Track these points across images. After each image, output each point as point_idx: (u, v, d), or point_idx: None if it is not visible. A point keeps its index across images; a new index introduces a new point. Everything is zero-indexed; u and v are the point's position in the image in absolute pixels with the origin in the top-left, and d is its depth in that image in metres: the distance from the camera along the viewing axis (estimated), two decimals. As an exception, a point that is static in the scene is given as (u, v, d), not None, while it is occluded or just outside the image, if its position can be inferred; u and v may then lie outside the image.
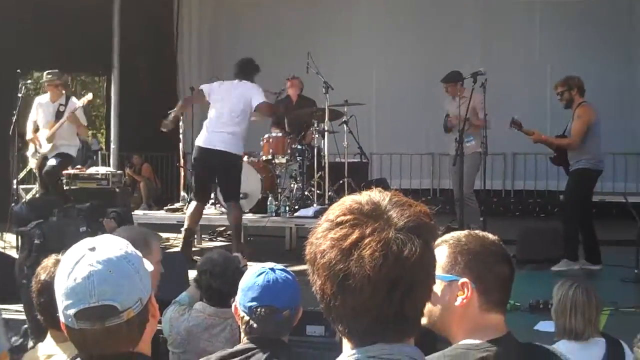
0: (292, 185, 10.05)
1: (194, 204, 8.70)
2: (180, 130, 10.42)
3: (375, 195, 1.48)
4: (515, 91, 13.19)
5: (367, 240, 1.39)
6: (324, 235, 1.44)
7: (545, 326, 5.17)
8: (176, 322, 4.03)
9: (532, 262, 8.23)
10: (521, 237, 8.68)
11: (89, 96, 9.86)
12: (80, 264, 1.70)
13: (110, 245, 1.76)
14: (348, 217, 1.43)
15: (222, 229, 10.49)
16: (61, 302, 1.72)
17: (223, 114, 8.37)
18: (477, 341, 2.00)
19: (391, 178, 13.16)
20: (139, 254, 1.81)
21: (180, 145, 11.14)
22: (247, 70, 8.55)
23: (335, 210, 1.47)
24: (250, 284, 2.88)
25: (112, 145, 14.26)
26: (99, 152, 16.23)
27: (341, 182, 9.77)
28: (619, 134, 11.73)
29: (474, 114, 9.06)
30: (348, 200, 1.48)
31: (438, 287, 2.00)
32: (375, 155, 14.00)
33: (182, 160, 11.38)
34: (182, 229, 8.60)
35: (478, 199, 9.42)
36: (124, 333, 1.73)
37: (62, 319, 1.74)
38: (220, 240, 10.43)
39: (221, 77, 9.00)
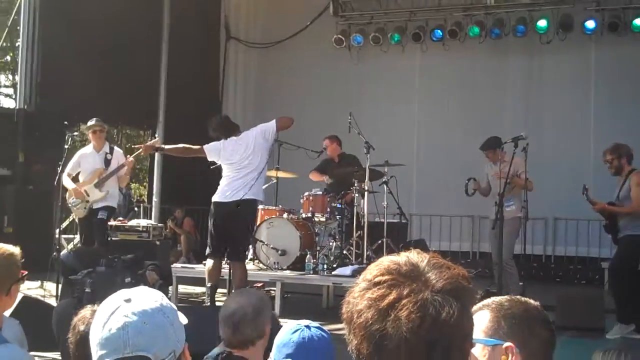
0: (330, 244, 10.02)
1: (210, 261, 8.39)
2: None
3: (413, 256, 1.47)
4: (557, 155, 13.11)
5: (404, 302, 1.37)
6: (361, 294, 1.43)
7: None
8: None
9: (572, 329, 8.08)
10: (561, 303, 8.54)
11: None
12: (116, 315, 1.71)
13: (145, 297, 1.77)
14: (386, 277, 1.42)
15: (259, 284, 10.46)
16: (95, 352, 1.73)
17: (233, 166, 8.29)
18: None
19: (430, 239, 13.05)
20: (174, 306, 1.81)
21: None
22: (234, 126, 8.53)
23: (373, 270, 1.46)
24: (285, 340, 2.86)
25: (155, 198, 14.51)
26: (141, 204, 16.42)
27: (380, 242, 9.75)
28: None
29: (516, 176, 9.00)
30: (386, 261, 1.47)
31: (480, 352, 1.97)
32: (415, 216, 13.95)
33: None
34: (207, 286, 8.42)
35: (517, 264, 9.26)
36: (157, 384, 1.72)
37: (96, 369, 1.74)
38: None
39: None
